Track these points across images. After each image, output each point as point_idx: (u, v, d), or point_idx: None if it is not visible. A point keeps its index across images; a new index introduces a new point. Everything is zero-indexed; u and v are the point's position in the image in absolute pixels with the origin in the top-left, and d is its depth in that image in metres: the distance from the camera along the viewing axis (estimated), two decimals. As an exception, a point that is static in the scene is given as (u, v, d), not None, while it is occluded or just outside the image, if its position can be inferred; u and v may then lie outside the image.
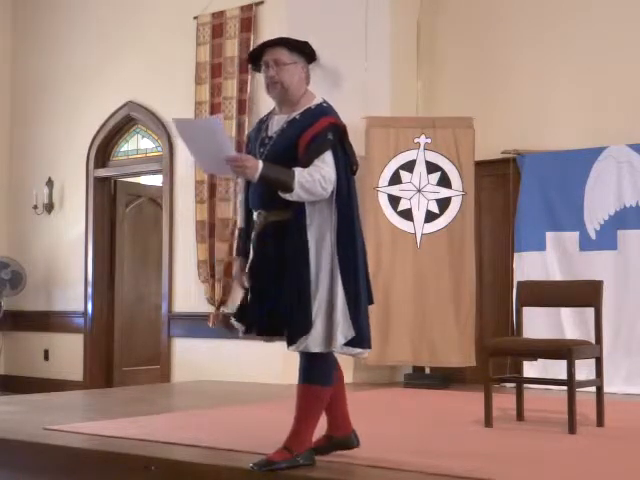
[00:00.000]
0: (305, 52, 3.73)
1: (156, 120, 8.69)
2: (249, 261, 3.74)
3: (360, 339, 3.57)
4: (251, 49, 3.83)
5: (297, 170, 3.52)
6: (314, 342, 3.51)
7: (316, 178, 3.51)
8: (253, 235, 3.74)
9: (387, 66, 8.04)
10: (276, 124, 3.74)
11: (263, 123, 3.82)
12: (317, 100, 3.74)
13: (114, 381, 9.03)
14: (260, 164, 3.54)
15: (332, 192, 3.57)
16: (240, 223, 3.89)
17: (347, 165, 3.66)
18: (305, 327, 3.50)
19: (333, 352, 3.58)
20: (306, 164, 3.55)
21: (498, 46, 7.93)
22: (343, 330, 3.51)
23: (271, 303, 3.62)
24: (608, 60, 7.39)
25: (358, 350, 3.58)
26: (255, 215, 3.74)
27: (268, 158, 3.63)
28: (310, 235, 3.56)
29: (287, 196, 3.53)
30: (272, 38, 3.78)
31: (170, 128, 8.55)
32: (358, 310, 3.56)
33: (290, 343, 3.55)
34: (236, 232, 3.88)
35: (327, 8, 7.77)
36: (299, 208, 3.57)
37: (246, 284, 3.76)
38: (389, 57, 8.07)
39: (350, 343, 3.54)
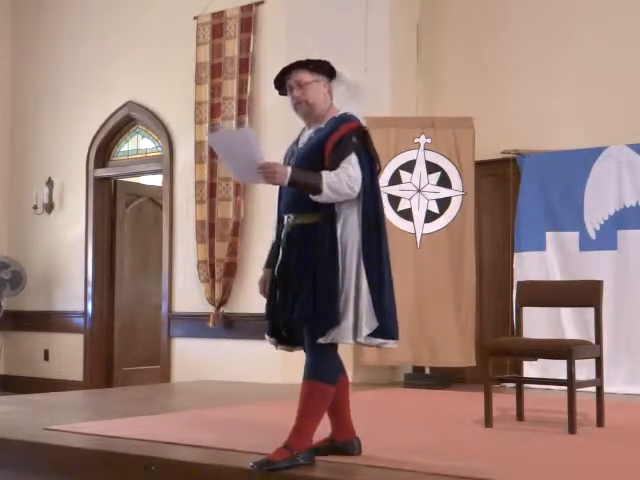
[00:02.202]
0: (325, 70, 3.92)
1: (156, 120, 8.69)
2: (277, 262, 3.88)
3: (383, 330, 3.72)
4: (275, 76, 3.99)
5: (324, 172, 3.68)
6: (342, 334, 3.66)
7: (342, 179, 3.67)
8: (282, 237, 3.89)
9: (387, 66, 8.04)
10: (306, 136, 3.94)
11: (295, 142, 4.00)
12: (341, 111, 3.93)
13: (114, 381, 9.03)
14: (289, 169, 3.69)
15: (359, 192, 3.72)
16: (273, 237, 4.03)
17: (371, 167, 3.81)
18: (334, 320, 3.64)
19: (359, 344, 3.75)
20: (332, 167, 3.70)
21: (498, 46, 7.94)
22: (368, 322, 3.68)
23: (295, 302, 3.72)
24: (608, 60, 7.39)
25: (380, 340, 3.74)
26: (285, 220, 3.89)
27: (297, 164, 3.82)
28: (339, 237, 3.71)
29: (317, 198, 3.68)
30: (291, 62, 3.94)
31: (170, 128, 8.57)
32: (381, 302, 3.72)
33: (320, 335, 3.65)
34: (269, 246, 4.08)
35: (327, 8, 7.77)
36: (329, 211, 3.72)
37: (266, 293, 3.94)
38: (389, 57, 8.07)
39: (373, 334, 3.70)
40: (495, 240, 7.77)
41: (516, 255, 7.48)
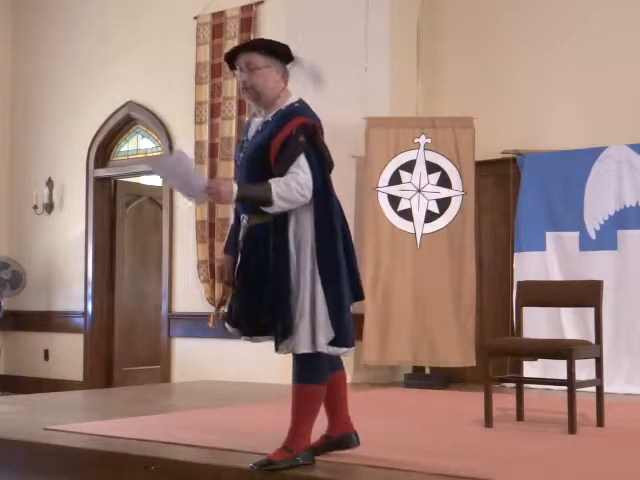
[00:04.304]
0: (279, 53, 3.66)
1: (156, 120, 8.69)
2: (237, 264, 3.73)
3: (345, 338, 3.57)
4: (225, 52, 3.79)
5: (273, 182, 3.49)
6: (300, 343, 3.52)
7: (292, 186, 3.49)
8: (239, 239, 3.73)
9: (387, 66, 8.04)
10: (254, 127, 3.73)
11: (245, 131, 3.81)
12: (291, 100, 3.69)
13: (114, 381, 9.03)
14: (235, 187, 3.53)
15: (311, 197, 3.54)
16: (232, 220, 3.89)
17: (322, 165, 3.61)
18: (288, 330, 3.51)
19: (322, 352, 3.56)
20: (281, 173, 3.52)
21: (498, 46, 7.94)
22: (324, 331, 3.52)
23: (252, 305, 3.60)
24: (608, 60, 7.39)
25: (344, 349, 3.60)
26: (241, 221, 3.74)
27: (245, 162, 3.66)
28: (291, 237, 3.56)
29: (268, 209, 3.52)
30: (246, 41, 3.76)
31: (170, 128, 8.57)
32: (341, 310, 3.56)
33: (277, 347, 3.56)
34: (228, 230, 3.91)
35: (327, 8, 7.77)
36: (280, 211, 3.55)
37: (227, 279, 3.77)
38: (389, 57, 8.07)
39: (335, 343, 3.54)
40: (495, 240, 7.77)
41: (516, 255, 7.48)
